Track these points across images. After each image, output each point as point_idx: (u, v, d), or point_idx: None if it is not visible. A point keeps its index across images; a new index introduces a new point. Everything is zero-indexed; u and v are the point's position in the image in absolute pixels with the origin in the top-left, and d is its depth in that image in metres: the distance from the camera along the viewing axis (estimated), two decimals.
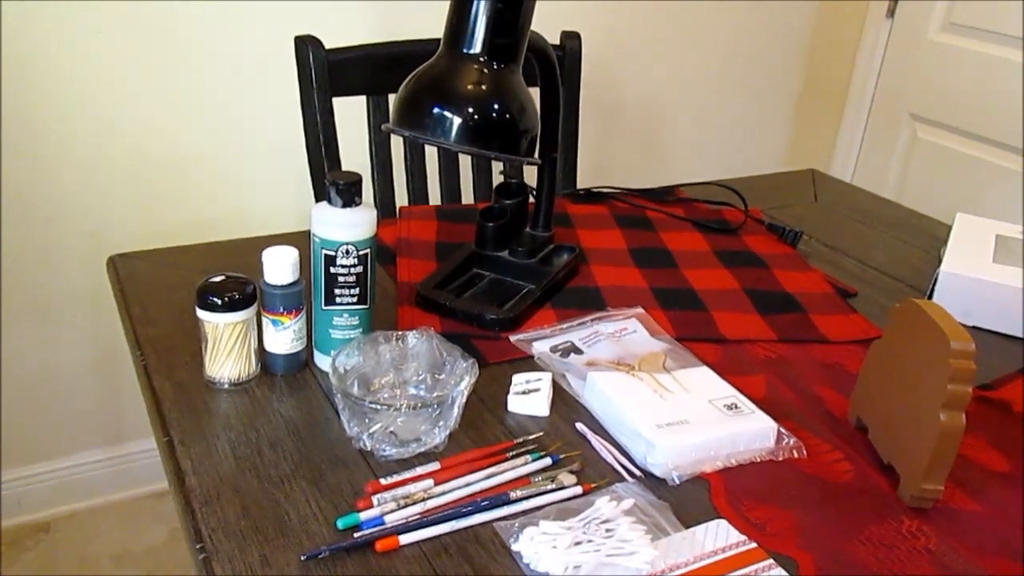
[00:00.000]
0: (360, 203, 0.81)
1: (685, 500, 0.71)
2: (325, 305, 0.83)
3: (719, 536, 0.67)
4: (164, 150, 1.63)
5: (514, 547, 0.64)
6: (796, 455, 0.78)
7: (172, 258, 1.06)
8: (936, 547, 0.69)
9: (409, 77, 0.85)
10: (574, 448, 0.77)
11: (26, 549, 1.72)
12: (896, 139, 2.22)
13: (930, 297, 1.05)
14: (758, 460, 0.77)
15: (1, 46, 1.44)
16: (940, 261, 1.07)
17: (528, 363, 0.89)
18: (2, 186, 1.53)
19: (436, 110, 0.82)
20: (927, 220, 1.37)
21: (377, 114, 1.35)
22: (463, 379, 0.75)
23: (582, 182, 1.50)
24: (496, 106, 0.84)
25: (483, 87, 0.84)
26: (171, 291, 0.98)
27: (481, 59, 0.84)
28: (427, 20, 1.53)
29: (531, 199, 1.09)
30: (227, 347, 0.80)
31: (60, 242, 1.61)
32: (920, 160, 2.17)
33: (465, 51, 0.84)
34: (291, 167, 1.67)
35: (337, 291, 0.82)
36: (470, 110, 0.82)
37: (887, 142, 2.24)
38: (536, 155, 0.89)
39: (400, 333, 0.81)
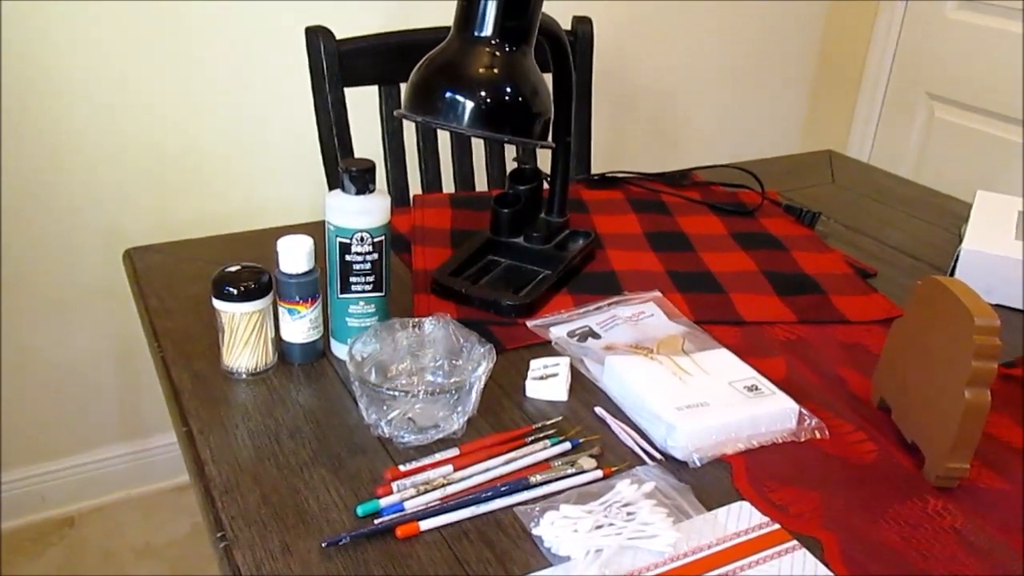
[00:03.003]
0: (374, 190, 0.80)
1: (706, 482, 0.71)
2: (341, 293, 0.82)
3: (741, 518, 0.67)
4: (178, 143, 1.63)
5: (535, 531, 0.64)
6: (818, 436, 0.77)
7: (187, 250, 1.06)
8: (962, 526, 0.68)
9: (421, 62, 0.85)
10: (593, 432, 0.76)
11: (51, 544, 1.74)
12: (913, 119, 2.19)
13: (951, 275, 1.03)
14: (780, 441, 0.76)
15: (15, 42, 1.44)
16: (961, 239, 1.05)
17: (546, 348, 0.89)
18: (20, 182, 1.53)
19: (448, 94, 0.82)
20: (946, 198, 1.35)
21: (389, 103, 1.35)
22: (480, 365, 0.75)
23: (596, 167, 1.50)
24: (508, 89, 0.83)
25: (495, 70, 0.83)
26: (187, 283, 0.98)
27: (492, 42, 0.83)
28: (438, 9, 1.52)
29: (545, 185, 1.08)
30: (244, 337, 0.80)
31: (77, 237, 1.62)
32: (938, 139, 2.15)
33: (476, 34, 0.83)
34: (304, 158, 1.67)
35: (353, 279, 0.81)
36: (482, 93, 0.82)
37: (904, 122, 2.22)
38: (550, 139, 0.88)
39: (417, 320, 0.80)
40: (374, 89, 1.34)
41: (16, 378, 1.68)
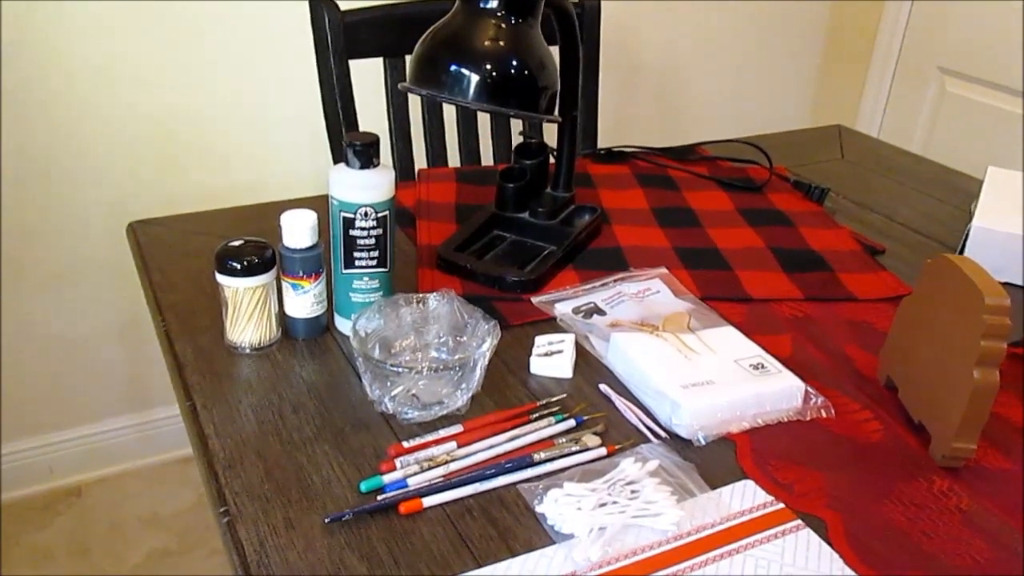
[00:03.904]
0: (378, 164, 0.80)
1: (711, 461, 0.70)
2: (345, 268, 0.82)
3: (746, 497, 0.66)
4: (183, 116, 1.62)
5: (538, 509, 0.64)
6: (824, 415, 0.76)
7: (191, 224, 1.06)
8: (968, 506, 0.67)
9: (425, 34, 0.84)
10: (598, 410, 0.76)
11: (58, 513, 1.75)
12: (924, 93, 2.17)
13: (961, 253, 1.02)
14: (785, 420, 0.76)
15: (18, 15, 1.43)
16: (971, 216, 1.04)
17: (551, 325, 0.88)
18: (23, 156, 1.53)
19: (453, 67, 0.81)
20: (956, 175, 1.34)
21: (394, 75, 1.33)
22: (485, 341, 0.74)
23: (603, 142, 1.48)
24: (514, 62, 0.82)
25: (500, 43, 0.82)
26: (191, 257, 0.98)
27: (498, 14, 0.82)
28: None
29: (551, 159, 1.07)
30: (247, 312, 0.80)
31: (82, 210, 1.61)
32: (948, 114, 2.12)
33: (482, 6, 0.82)
34: (309, 131, 1.66)
35: (356, 254, 0.81)
36: (488, 67, 0.81)
37: (915, 96, 2.19)
38: (556, 113, 0.87)
39: (421, 296, 0.80)
40: (379, 61, 1.33)
41: (23, 350, 1.68)
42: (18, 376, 1.70)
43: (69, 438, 1.80)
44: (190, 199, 1.67)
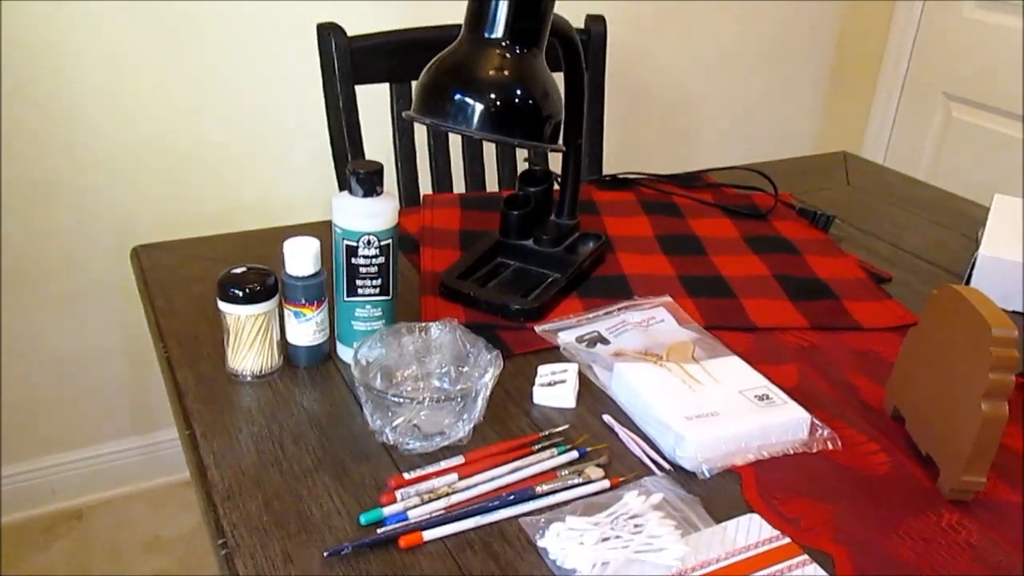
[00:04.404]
0: (381, 192, 0.79)
1: (716, 494, 0.69)
2: (347, 296, 0.81)
3: (751, 531, 0.66)
4: (189, 139, 1.63)
5: (540, 543, 0.63)
6: (830, 447, 0.75)
7: (195, 249, 1.06)
8: (977, 541, 0.66)
9: (430, 63, 0.84)
10: (601, 441, 0.75)
11: (59, 536, 1.74)
12: (930, 119, 2.17)
13: (967, 281, 1.02)
14: (791, 452, 0.75)
15: (26, 36, 1.44)
16: (978, 244, 1.03)
17: (554, 354, 0.87)
18: (30, 177, 1.53)
19: (458, 97, 0.81)
20: (963, 202, 1.33)
21: (400, 102, 1.34)
22: (487, 371, 0.74)
23: (608, 168, 1.48)
24: (519, 91, 0.82)
25: (505, 72, 0.82)
26: (194, 282, 0.97)
27: (503, 43, 0.82)
28: (451, 7, 1.51)
29: (556, 186, 1.07)
30: (249, 339, 0.79)
31: (88, 232, 1.62)
32: (955, 141, 2.12)
33: (487, 35, 0.82)
34: (315, 156, 1.66)
35: (359, 282, 0.81)
36: (492, 96, 0.81)
37: (920, 122, 2.19)
38: (560, 141, 0.87)
39: (423, 324, 0.79)
40: (385, 87, 1.33)
41: (27, 371, 1.68)
42: (21, 397, 1.70)
43: (71, 460, 1.80)
44: (195, 221, 1.67)
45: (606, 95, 1.48)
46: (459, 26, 0.85)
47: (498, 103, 0.81)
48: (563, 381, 0.80)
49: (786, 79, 2.25)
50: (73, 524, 1.78)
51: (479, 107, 0.80)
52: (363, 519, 0.65)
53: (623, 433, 0.76)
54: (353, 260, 0.79)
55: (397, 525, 0.64)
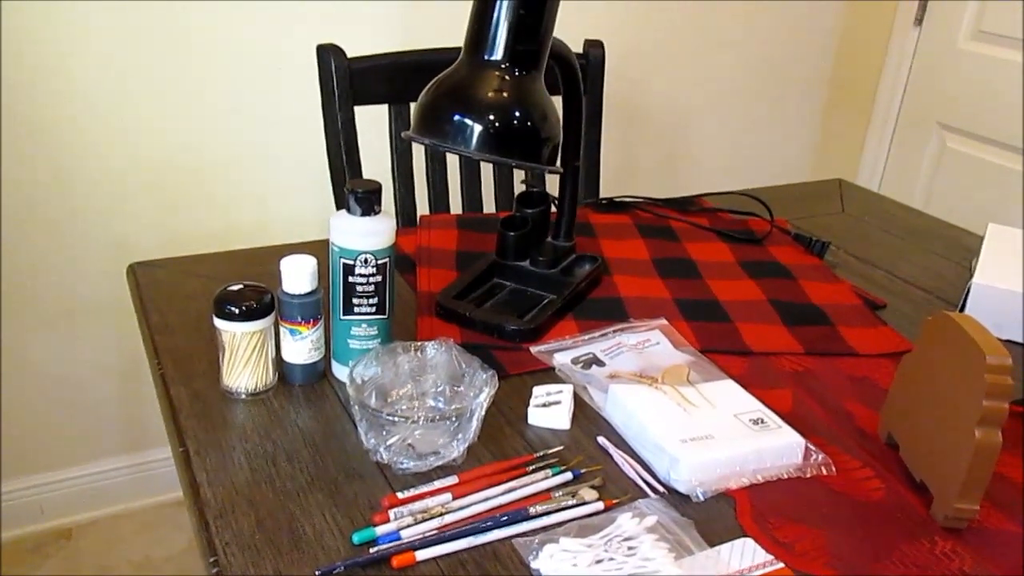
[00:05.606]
0: (379, 212, 0.80)
1: (710, 517, 0.69)
2: (343, 315, 0.81)
3: (745, 555, 0.65)
4: (187, 158, 1.63)
5: (533, 564, 0.63)
6: (825, 472, 0.75)
7: (191, 266, 1.06)
8: (971, 569, 0.66)
9: (429, 84, 0.84)
10: (595, 463, 0.75)
11: (48, 556, 1.73)
12: (924, 149, 2.18)
13: (962, 309, 1.02)
14: (785, 477, 0.75)
15: (21, 53, 1.45)
16: (972, 272, 1.04)
17: (549, 375, 0.88)
18: (26, 194, 1.54)
19: (457, 118, 0.81)
20: (957, 230, 1.34)
21: (399, 122, 1.34)
22: (482, 391, 0.74)
23: (605, 191, 1.49)
24: (517, 114, 0.82)
25: (504, 94, 0.82)
26: (190, 300, 0.98)
27: (502, 66, 0.83)
28: (451, 29, 1.53)
29: (553, 208, 1.08)
30: (244, 357, 0.79)
31: (83, 249, 1.62)
32: (949, 170, 2.14)
33: (486, 58, 0.83)
34: (314, 175, 1.67)
35: (355, 301, 0.81)
36: (491, 118, 0.81)
37: (915, 152, 2.21)
38: (558, 164, 0.87)
39: (419, 344, 0.79)
40: (384, 108, 1.34)
41: (18, 388, 1.67)
42: (12, 414, 1.69)
43: (62, 479, 1.78)
44: (192, 239, 1.67)
45: (604, 119, 1.50)
46: (458, 49, 0.85)
47: (497, 124, 0.81)
48: (558, 402, 0.80)
49: (782, 107, 2.27)
50: (62, 543, 1.76)
51: (478, 128, 0.81)
52: (356, 538, 0.64)
53: (617, 455, 0.76)
54: (350, 279, 0.80)
55: (390, 545, 0.64)
